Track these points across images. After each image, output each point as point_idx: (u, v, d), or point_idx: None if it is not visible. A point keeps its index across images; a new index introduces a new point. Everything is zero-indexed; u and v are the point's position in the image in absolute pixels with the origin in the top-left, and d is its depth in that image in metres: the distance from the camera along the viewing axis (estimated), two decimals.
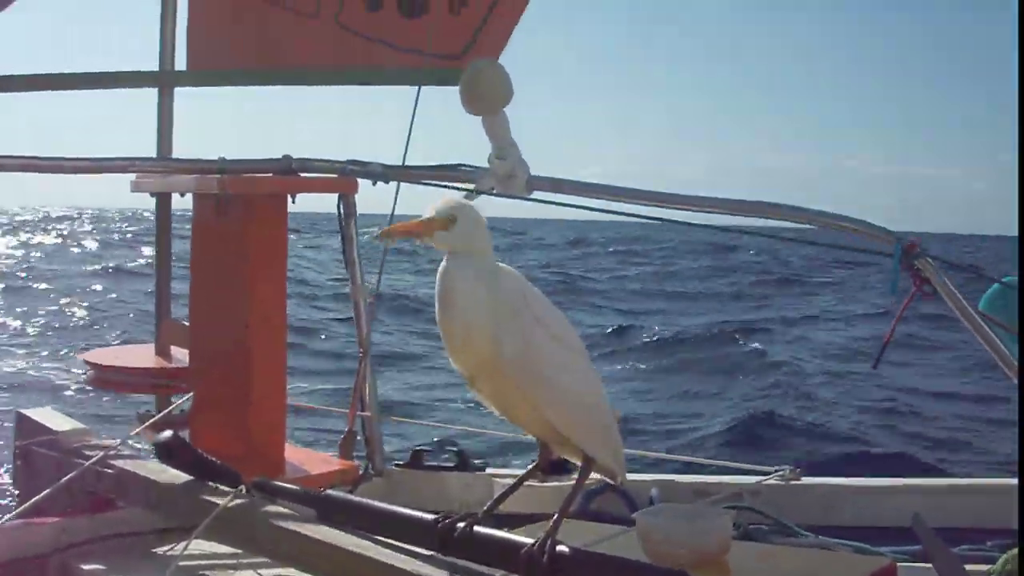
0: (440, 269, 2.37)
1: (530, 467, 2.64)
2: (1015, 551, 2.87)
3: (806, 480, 4.00)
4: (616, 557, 2.30)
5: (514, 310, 2.34)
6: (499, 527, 2.47)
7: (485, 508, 2.50)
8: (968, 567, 2.78)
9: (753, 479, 4.06)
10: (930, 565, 2.79)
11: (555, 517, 2.36)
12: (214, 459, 3.10)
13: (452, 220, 2.37)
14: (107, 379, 4.76)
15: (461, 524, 2.43)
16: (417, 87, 4.21)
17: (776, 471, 4.05)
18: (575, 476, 2.51)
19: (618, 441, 2.56)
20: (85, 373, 4.84)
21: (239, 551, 3.10)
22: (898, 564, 2.90)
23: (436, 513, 2.50)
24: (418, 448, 4.59)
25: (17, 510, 3.46)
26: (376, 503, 2.75)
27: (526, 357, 2.32)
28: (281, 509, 2.81)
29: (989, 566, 2.86)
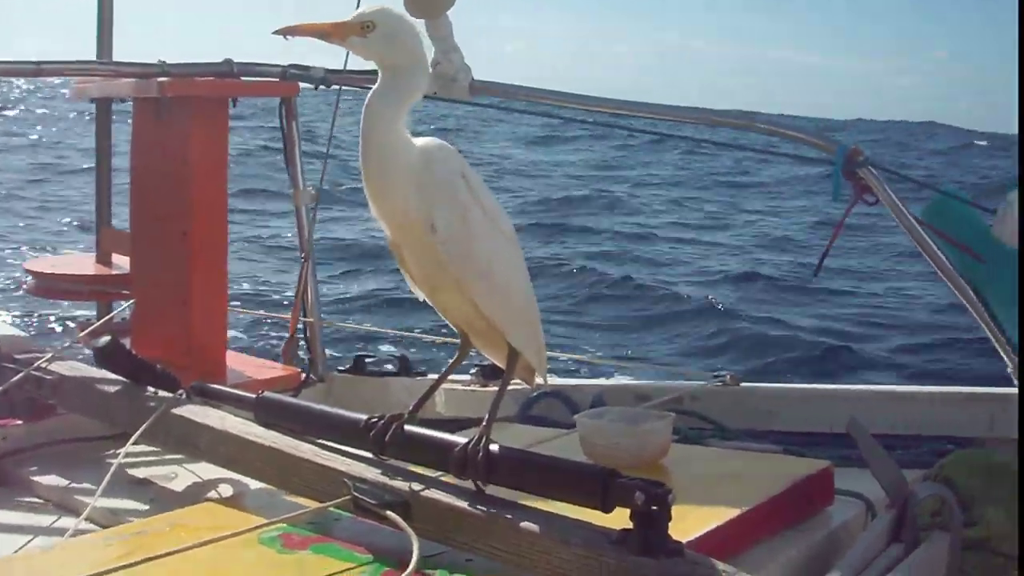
0: (366, 100, 2.24)
1: (450, 363, 2.58)
2: (952, 456, 2.91)
3: (746, 386, 4.03)
4: (550, 456, 2.31)
5: (451, 186, 2.25)
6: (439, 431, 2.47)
7: (410, 408, 2.48)
8: (904, 472, 2.82)
9: (693, 383, 4.08)
10: (867, 468, 2.83)
11: (487, 416, 2.34)
12: (153, 363, 3.09)
13: (368, 26, 2.23)
14: (48, 287, 4.73)
15: (392, 425, 2.43)
16: None
17: (715, 377, 4.08)
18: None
19: (541, 338, 2.50)
20: (25, 281, 4.80)
21: (178, 455, 3.11)
22: (835, 468, 2.94)
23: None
24: (360, 354, 4.58)
25: None
26: (311, 405, 2.76)
27: (460, 237, 2.23)
28: (219, 413, 2.81)
29: (924, 470, 2.89)
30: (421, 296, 2.45)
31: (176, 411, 2.84)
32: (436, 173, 2.24)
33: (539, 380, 2.62)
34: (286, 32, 2.26)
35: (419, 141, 2.28)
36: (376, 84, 2.27)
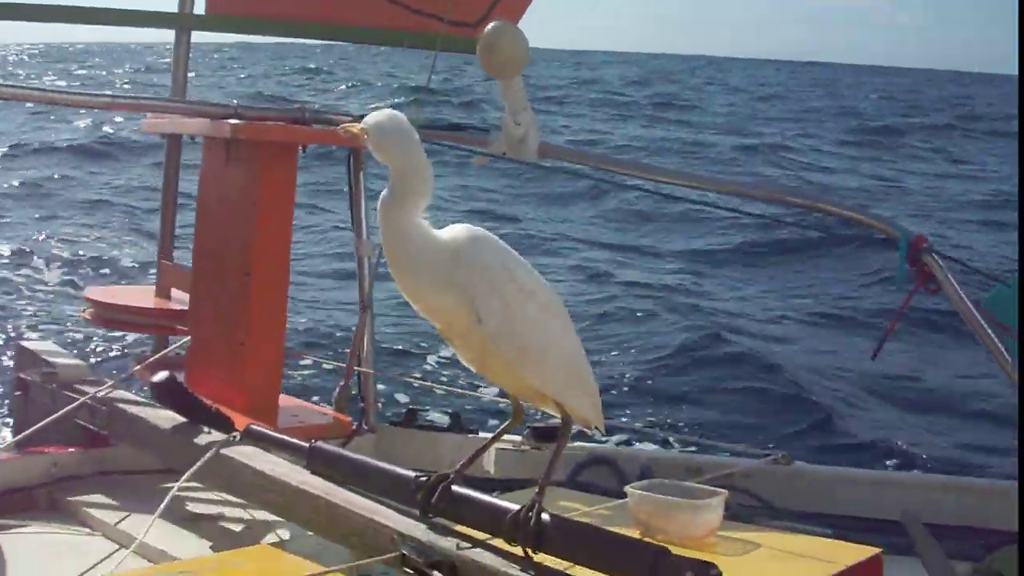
0: (378, 202, 2.29)
1: (502, 428, 2.59)
2: (1004, 551, 2.87)
3: (798, 466, 4.00)
4: (602, 529, 2.29)
5: (489, 276, 2.25)
6: (486, 492, 2.46)
7: (457, 467, 2.48)
8: (953, 563, 2.78)
9: (745, 460, 4.05)
10: (916, 558, 2.79)
11: (540, 482, 2.34)
12: (208, 403, 3.10)
13: (364, 134, 2.33)
14: (107, 317, 4.76)
15: (440, 485, 2.42)
16: (434, 52, 4.21)
17: (768, 455, 4.05)
18: None
19: (595, 389, 2.49)
20: (86, 310, 4.83)
21: (227, 496, 3.11)
22: (884, 556, 2.90)
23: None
24: (411, 408, 4.59)
25: (10, 441, 3.48)
26: (361, 457, 2.76)
27: (507, 327, 2.25)
28: (270, 457, 2.82)
29: (974, 563, 2.85)
30: (473, 369, 2.45)
31: (228, 452, 2.85)
32: (470, 265, 2.25)
33: (599, 429, 2.58)
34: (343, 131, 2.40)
35: (448, 232, 2.30)
36: (387, 186, 2.31)
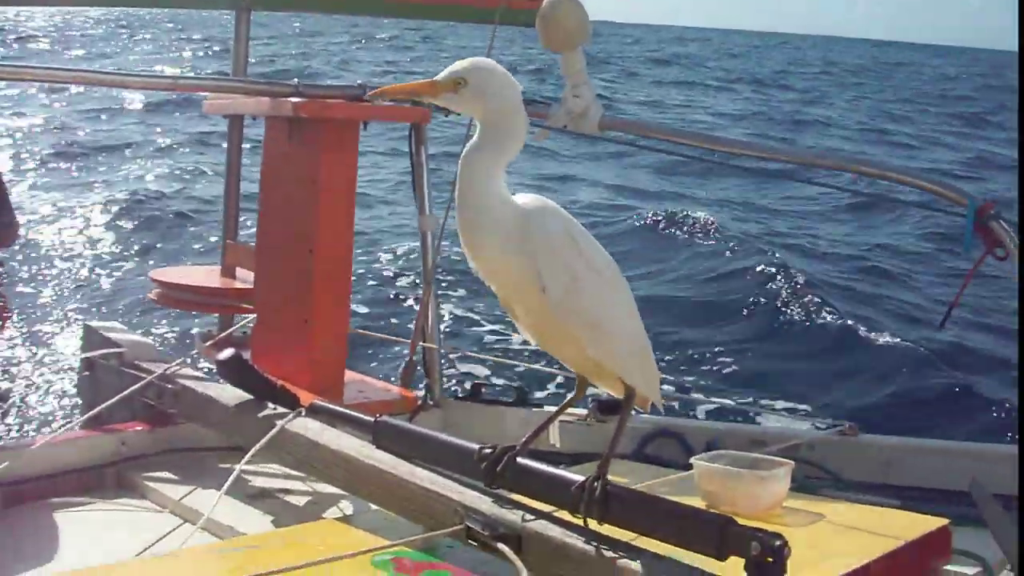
0: (463, 153, 2.24)
1: (566, 401, 2.58)
2: None
3: (864, 437, 3.96)
4: (667, 499, 2.28)
5: (556, 246, 2.22)
6: (553, 465, 2.46)
7: (523, 440, 2.46)
8: None
9: (811, 431, 4.03)
10: (986, 529, 2.76)
11: (605, 454, 2.32)
12: (273, 380, 3.12)
13: (461, 82, 2.22)
14: (172, 297, 4.80)
15: (505, 457, 2.42)
16: (494, 25, 4.20)
17: (834, 426, 4.02)
18: None
19: (654, 367, 2.47)
20: (151, 290, 4.88)
21: (293, 472, 3.13)
22: (952, 527, 2.88)
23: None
24: (477, 382, 4.59)
25: (79, 420, 3.52)
26: (426, 430, 2.76)
27: (572, 298, 2.21)
28: (335, 432, 2.83)
29: None
30: (533, 342, 2.43)
31: (294, 428, 2.86)
32: (539, 233, 2.22)
33: (656, 406, 2.57)
34: (377, 95, 2.28)
35: (519, 199, 2.27)
36: (474, 137, 2.26)
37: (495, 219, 2.21)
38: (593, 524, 2.25)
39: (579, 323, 2.25)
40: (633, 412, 2.59)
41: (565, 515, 2.29)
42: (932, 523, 2.87)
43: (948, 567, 2.84)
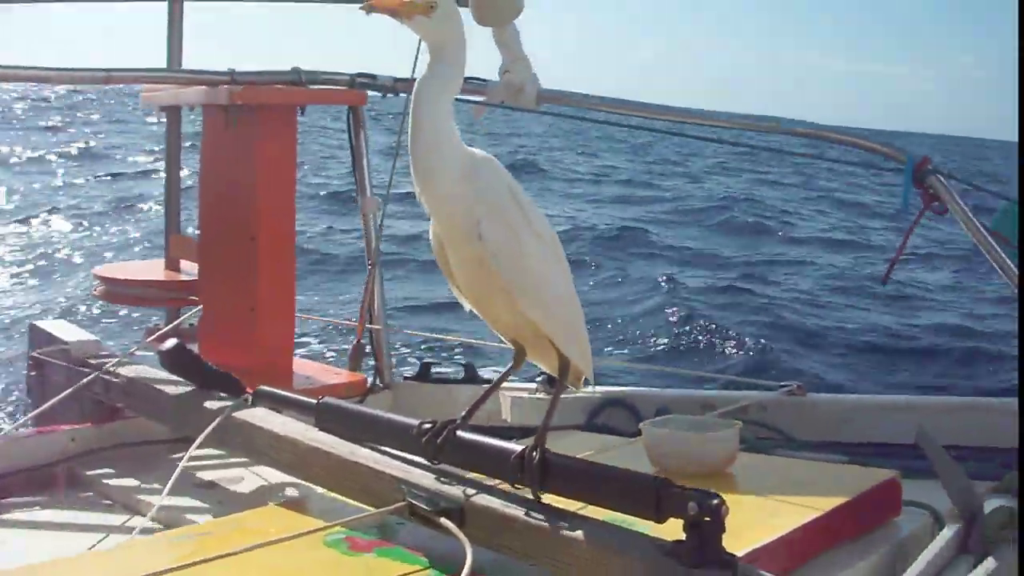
0: (415, 85, 2.28)
1: (504, 372, 2.62)
2: None
3: (811, 396, 3.99)
4: (604, 465, 2.28)
5: (498, 196, 2.27)
6: (503, 439, 2.46)
7: (463, 414, 2.47)
8: (973, 484, 2.77)
9: (760, 393, 4.05)
10: (935, 480, 2.79)
11: (542, 423, 2.35)
12: (217, 368, 3.11)
13: (433, 6, 2.28)
14: (117, 292, 4.77)
15: (445, 431, 2.43)
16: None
17: (782, 387, 4.04)
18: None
19: (587, 342, 2.50)
20: (96, 288, 4.85)
21: (242, 458, 3.13)
22: (903, 479, 2.90)
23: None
24: (425, 361, 4.58)
25: (26, 417, 3.50)
26: (369, 410, 2.76)
27: (508, 249, 2.24)
28: (281, 418, 2.83)
29: (994, 483, 2.84)
30: (467, 306, 2.46)
31: (239, 415, 2.86)
32: (483, 181, 2.27)
33: (589, 383, 2.62)
34: (367, 8, 2.31)
35: (467, 149, 2.31)
36: (424, 71, 2.30)
37: (448, 153, 2.25)
38: (544, 496, 2.25)
39: (512, 274, 2.27)
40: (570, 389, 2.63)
41: (509, 488, 2.30)
42: (880, 475, 2.89)
43: (898, 519, 2.87)
